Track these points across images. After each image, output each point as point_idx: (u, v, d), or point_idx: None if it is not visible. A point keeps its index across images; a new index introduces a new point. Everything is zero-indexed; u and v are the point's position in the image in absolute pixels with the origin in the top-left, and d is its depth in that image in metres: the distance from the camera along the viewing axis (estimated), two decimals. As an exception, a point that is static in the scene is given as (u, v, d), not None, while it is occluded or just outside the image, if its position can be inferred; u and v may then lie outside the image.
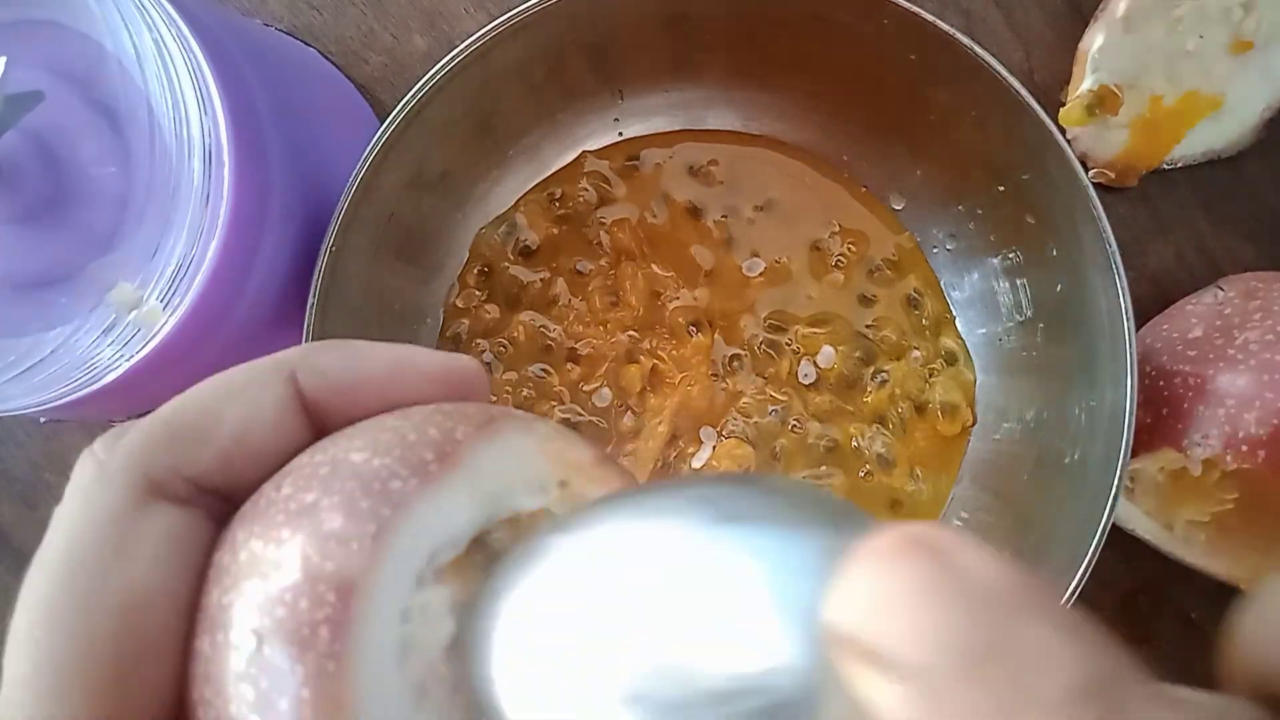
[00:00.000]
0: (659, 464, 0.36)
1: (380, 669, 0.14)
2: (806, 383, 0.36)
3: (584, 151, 0.37)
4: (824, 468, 0.36)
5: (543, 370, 0.36)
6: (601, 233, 0.36)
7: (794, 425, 0.36)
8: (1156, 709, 0.10)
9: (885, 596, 0.10)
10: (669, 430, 0.36)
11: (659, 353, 0.36)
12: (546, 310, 0.36)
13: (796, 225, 0.37)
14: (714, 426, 0.36)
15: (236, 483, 0.15)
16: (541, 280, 0.36)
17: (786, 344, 0.36)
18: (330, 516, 0.14)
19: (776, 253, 0.37)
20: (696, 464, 0.36)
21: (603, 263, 0.36)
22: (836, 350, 0.36)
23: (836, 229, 0.37)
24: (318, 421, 0.16)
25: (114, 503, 0.14)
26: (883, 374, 0.36)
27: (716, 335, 0.36)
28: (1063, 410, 0.33)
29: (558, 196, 0.37)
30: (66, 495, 0.15)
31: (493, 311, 0.36)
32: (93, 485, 0.14)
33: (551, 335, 0.36)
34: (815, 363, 0.36)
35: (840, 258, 0.36)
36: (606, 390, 0.36)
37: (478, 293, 0.37)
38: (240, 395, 0.16)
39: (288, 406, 0.16)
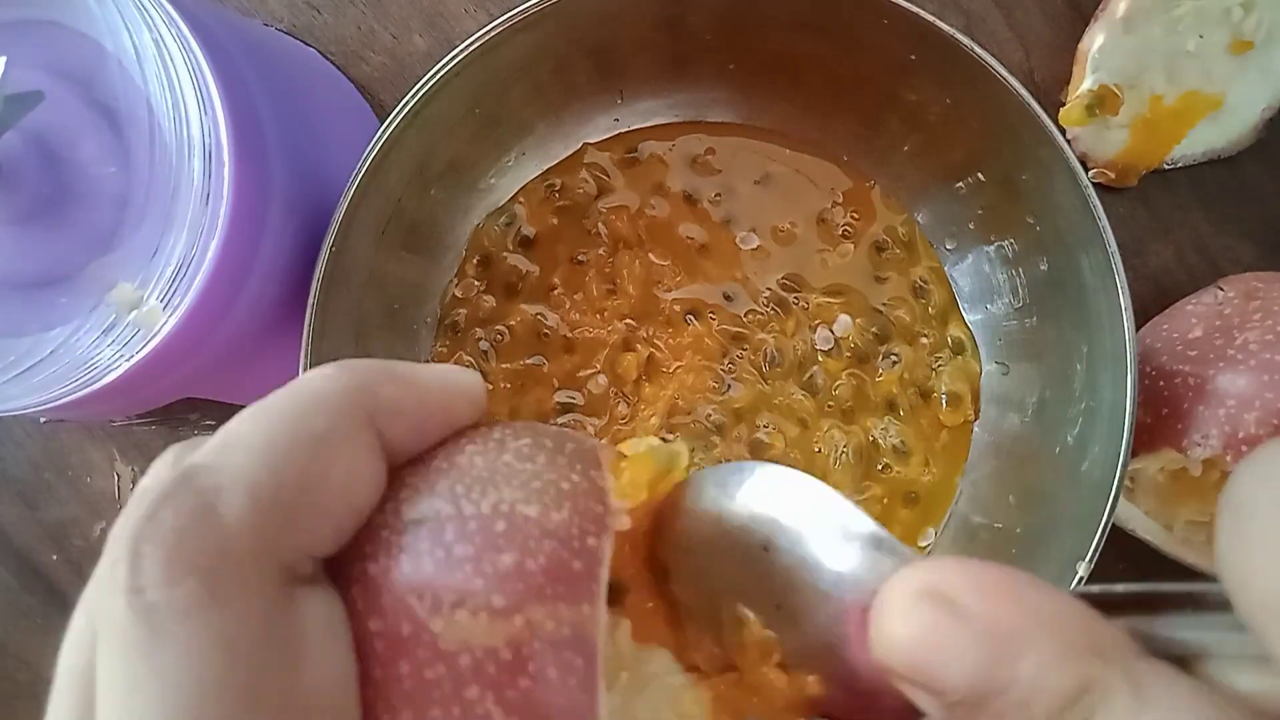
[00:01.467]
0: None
1: (609, 710, 0.14)
2: (825, 348, 0.36)
3: (585, 143, 0.37)
4: (836, 433, 0.36)
5: (539, 360, 0.36)
6: (600, 222, 0.37)
7: (811, 379, 0.36)
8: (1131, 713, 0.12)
9: (911, 644, 0.13)
10: (661, 423, 0.36)
11: (655, 341, 0.36)
12: (544, 299, 0.36)
13: (798, 198, 0.37)
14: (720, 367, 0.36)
15: (342, 544, 0.14)
16: (540, 270, 0.37)
17: (794, 303, 0.36)
18: (550, 581, 0.13)
19: (780, 220, 0.37)
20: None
21: (601, 251, 0.37)
22: (854, 322, 0.36)
23: (839, 199, 0.37)
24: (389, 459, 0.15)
25: (263, 606, 0.12)
26: (894, 355, 0.36)
27: (717, 307, 0.36)
28: (1062, 410, 0.33)
29: (558, 188, 0.37)
30: (163, 589, 0.12)
31: (490, 301, 0.37)
32: (226, 586, 0.12)
33: (548, 324, 0.36)
34: (832, 330, 0.36)
35: (847, 227, 0.37)
36: (602, 377, 0.36)
37: (476, 283, 0.37)
38: (335, 452, 0.14)
39: (379, 456, 0.15)
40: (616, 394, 0.36)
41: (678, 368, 0.36)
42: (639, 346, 0.36)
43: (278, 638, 0.12)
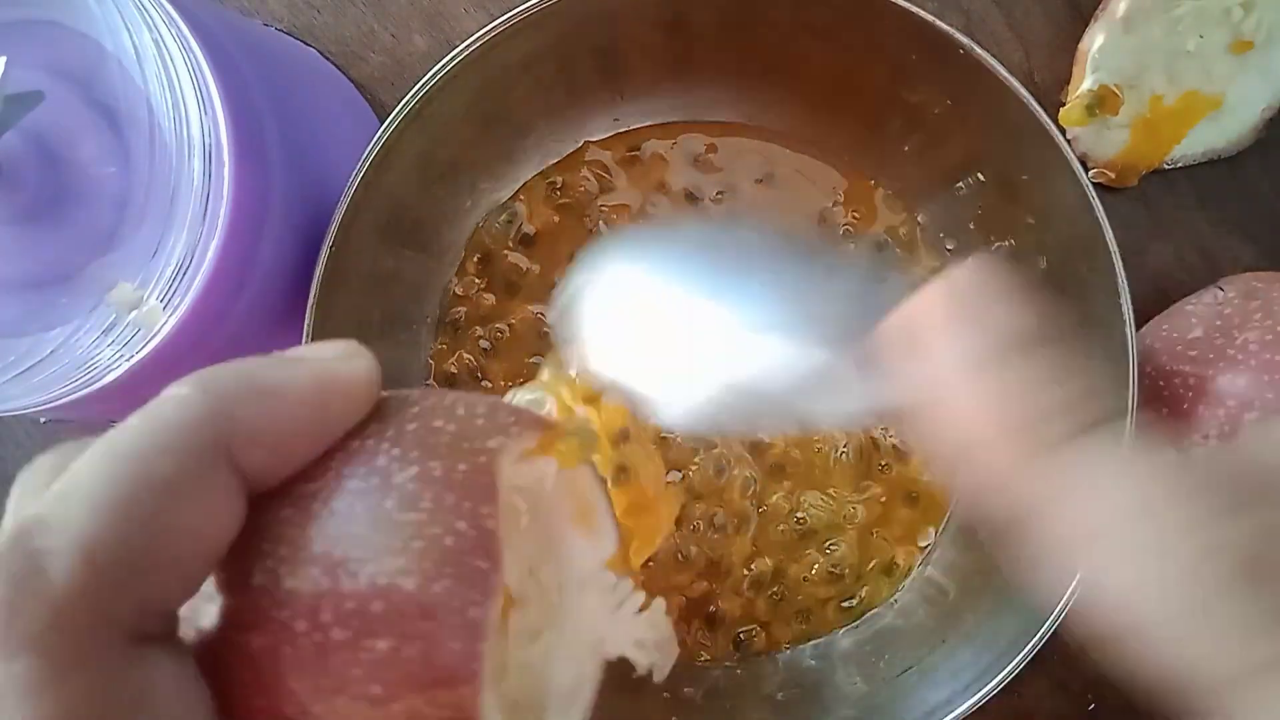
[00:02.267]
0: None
1: None
2: None
3: (586, 141, 0.37)
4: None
5: (539, 359, 0.36)
6: (601, 220, 0.37)
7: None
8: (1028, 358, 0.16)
9: (942, 309, 0.16)
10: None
11: None
12: (544, 298, 0.36)
13: (799, 196, 0.37)
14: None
15: (193, 593, 0.14)
16: (540, 268, 0.37)
17: None
18: (426, 667, 0.13)
19: (781, 220, 0.37)
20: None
21: (602, 249, 0.37)
22: None
23: (840, 199, 0.37)
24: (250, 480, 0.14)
25: (103, 674, 0.12)
26: None
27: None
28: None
29: (559, 186, 0.37)
30: (17, 664, 0.11)
31: (491, 299, 0.37)
32: (62, 658, 0.12)
33: (549, 323, 0.36)
34: None
35: (847, 227, 0.37)
36: None
37: (477, 280, 0.37)
38: (184, 498, 0.13)
39: (236, 494, 0.14)
40: (616, 394, 0.36)
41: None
42: (639, 346, 0.36)
43: (122, 705, 0.12)
